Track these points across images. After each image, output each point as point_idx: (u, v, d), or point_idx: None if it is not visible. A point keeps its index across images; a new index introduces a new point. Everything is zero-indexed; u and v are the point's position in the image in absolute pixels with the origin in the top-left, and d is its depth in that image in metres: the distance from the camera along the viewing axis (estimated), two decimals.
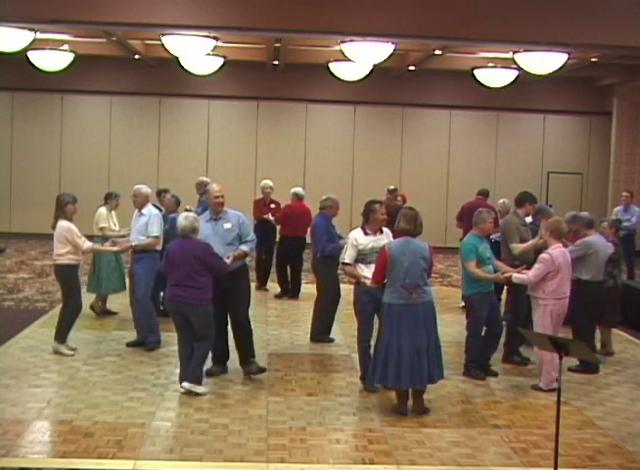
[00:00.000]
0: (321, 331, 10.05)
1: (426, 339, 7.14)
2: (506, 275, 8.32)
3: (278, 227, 12.99)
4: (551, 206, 11.99)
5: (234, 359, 8.96)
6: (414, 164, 20.64)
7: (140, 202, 9.38)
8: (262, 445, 6.39)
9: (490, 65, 15.16)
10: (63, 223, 8.86)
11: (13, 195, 20.26)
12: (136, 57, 18.13)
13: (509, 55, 13.01)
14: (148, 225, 9.21)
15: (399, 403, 7.31)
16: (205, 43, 11.99)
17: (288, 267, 12.88)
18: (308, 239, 12.49)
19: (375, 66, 14.07)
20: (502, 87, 16.09)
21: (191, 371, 7.65)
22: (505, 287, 9.79)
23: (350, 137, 20.66)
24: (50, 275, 14.52)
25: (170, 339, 9.58)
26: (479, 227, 8.45)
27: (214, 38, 12.07)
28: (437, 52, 15.88)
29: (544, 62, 12.08)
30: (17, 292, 12.87)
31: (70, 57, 15.21)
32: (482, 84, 15.82)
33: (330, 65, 15.45)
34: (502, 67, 14.98)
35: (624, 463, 6.29)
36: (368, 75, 15.45)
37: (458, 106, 20.60)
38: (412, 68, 18.35)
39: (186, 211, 10.66)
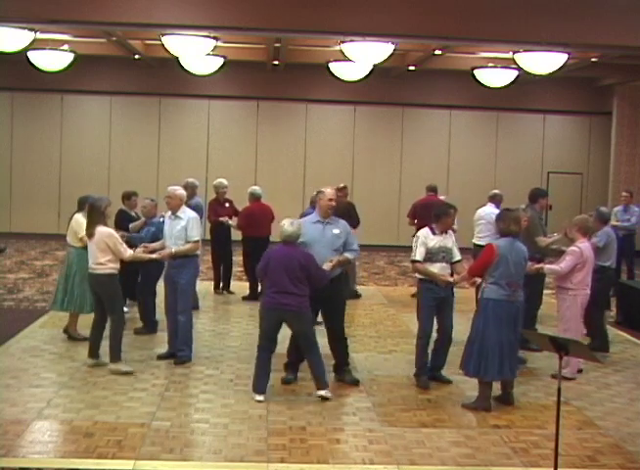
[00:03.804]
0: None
1: (514, 335, 7.47)
2: (536, 267, 8.70)
3: (236, 231, 12.67)
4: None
5: (231, 359, 8.97)
6: (414, 164, 20.65)
7: (175, 204, 8.80)
8: (262, 445, 6.39)
9: (490, 65, 15.17)
10: (103, 229, 8.32)
11: (13, 195, 20.27)
12: (136, 57, 18.13)
13: (509, 55, 13.01)
14: (187, 230, 8.69)
15: (485, 398, 7.48)
16: (205, 43, 11.99)
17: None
18: (272, 238, 12.60)
19: (375, 66, 14.07)
20: (502, 87, 16.09)
21: (324, 380, 7.60)
22: None
23: (350, 137, 20.67)
24: (50, 275, 14.53)
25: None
26: None
27: (214, 38, 12.07)
28: (437, 52, 15.89)
29: (544, 62, 12.08)
30: (17, 292, 12.87)
31: (70, 57, 15.22)
32: (482, 84, 15.82)
33: (330, 65, 15.45)
34: (502, 67, 14.98)
35: (624, 463, 6.29)
36: (368, 75, 15.45)
37: (458, 106, 20.61)
38: (412, 68, 18.36)
39: (162, 217, 9.95)
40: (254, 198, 12.57)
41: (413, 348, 9.72)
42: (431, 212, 12.55)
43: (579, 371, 8.70)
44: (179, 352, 8.76)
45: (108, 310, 8.39)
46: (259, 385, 7.58)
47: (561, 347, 5.57)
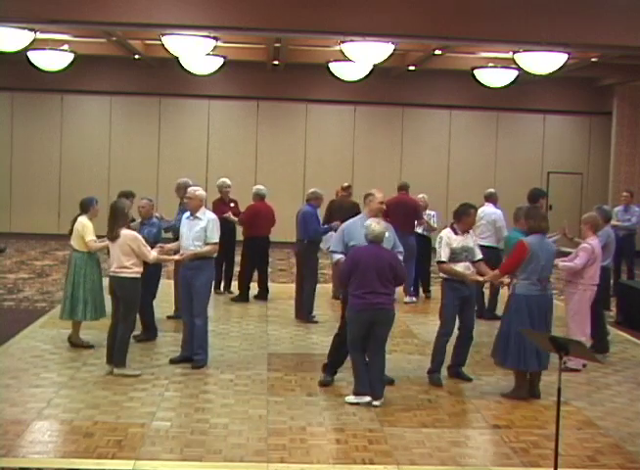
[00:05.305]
0: (310, 311, 10.91)
1: (546, 327, 7.69)
2: None
3: (240, 228, 12.66)
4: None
5: (231, 359, 8.98)
6: (414, 164, 20.63)
7: (195, 205, 8.65)
8: (262, 445, 6.39)
9: (490, 65, 15.17)
10: (127, 232, 8.23)
11: (13, 195, 20.27)
12: (136, 57, 18.13)
13: (509, 55, 13.01)
14: (207, 231, 8.52)
15: (522, 388, 7.75)
16: (205, 43, 11.98)
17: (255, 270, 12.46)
18: (272, 238, 12.66)
19: (375, 66, 14.07)
20: (502, 87, 16.09)
21: (381, 389, 7.51)
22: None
23: (350, 137, 20.67)
24: (50, 275, 14.54)
25: (169, 339, 9.61)
26: (520, 222, 9.12)
27: (214, 38, 12.07)
28: (437, 52, 15.89)
29: (544, 62, 12.08)
30: (17, 292, 12.87)
31: (70, 57, 15.22)
32: (482, 84, 15.83)
33: (330, 65, 15.45)
34: (502, 67, 14.98)
35: (624, 463, 6.29)
36: (368, 75, 15.45)
37: (458, 106, 20.61)
38: (412, 68, 18.36)
39: (156, 218, 9.98)
40: (260, 197, 12.45)
41: (413, 348, 9.79)
42: (401, 211, 12.74)
43: (584, 365, 8.77)
44: (195, 357, 8.57)
45: (122, 315, 8.25)
46: (363, 385, 7.49)
47: (561, 347, 5.56)
